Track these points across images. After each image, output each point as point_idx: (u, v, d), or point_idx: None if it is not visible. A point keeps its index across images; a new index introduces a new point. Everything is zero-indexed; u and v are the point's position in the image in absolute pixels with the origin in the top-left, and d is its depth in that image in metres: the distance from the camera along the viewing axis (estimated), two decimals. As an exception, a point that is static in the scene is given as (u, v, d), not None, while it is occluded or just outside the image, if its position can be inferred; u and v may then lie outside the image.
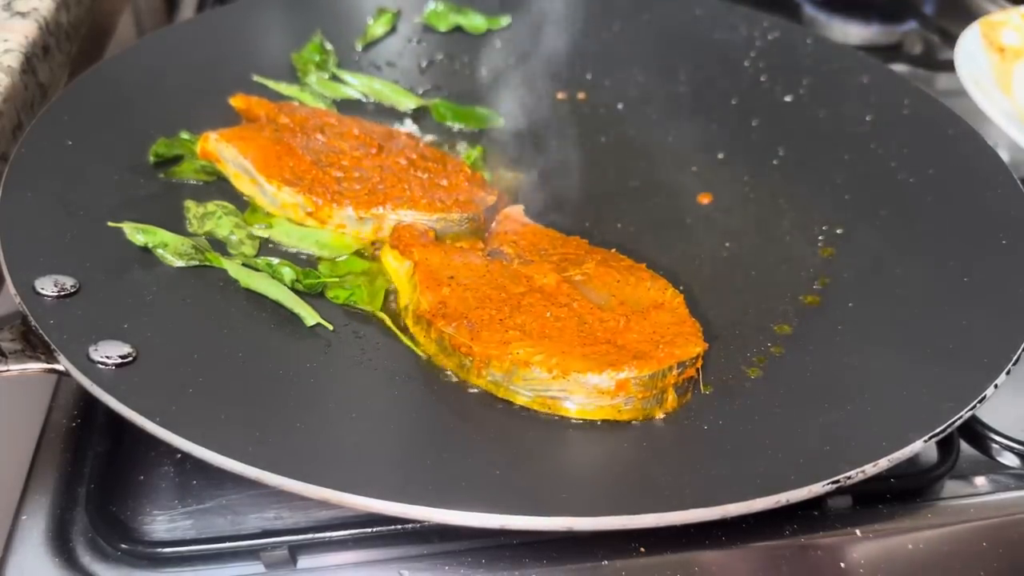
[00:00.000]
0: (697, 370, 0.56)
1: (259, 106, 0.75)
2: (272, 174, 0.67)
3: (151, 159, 0.69)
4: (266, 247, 0.65)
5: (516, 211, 0.68)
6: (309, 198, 0.66)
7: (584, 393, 0.53)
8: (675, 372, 0.54)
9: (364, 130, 0.73)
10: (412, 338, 0.58)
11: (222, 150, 0.69)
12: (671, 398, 0.54)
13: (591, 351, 0.54)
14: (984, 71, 0.85)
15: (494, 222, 0.67)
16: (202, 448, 0.47)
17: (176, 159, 0.70)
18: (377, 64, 0.86)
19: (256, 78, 0.80)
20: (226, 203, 0.66)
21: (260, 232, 0.65)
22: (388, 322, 0.60)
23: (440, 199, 0.67)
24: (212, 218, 0.64)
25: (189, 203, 0.66)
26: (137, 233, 0.61)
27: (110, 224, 0.61)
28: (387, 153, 0.71)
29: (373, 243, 0.66)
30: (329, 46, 0.85)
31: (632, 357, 0.54)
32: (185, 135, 0.71)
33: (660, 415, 0.54)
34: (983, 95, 0.82)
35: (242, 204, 0.68)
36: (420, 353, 0.57)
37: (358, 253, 0.65)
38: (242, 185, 0.69)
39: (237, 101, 0.75)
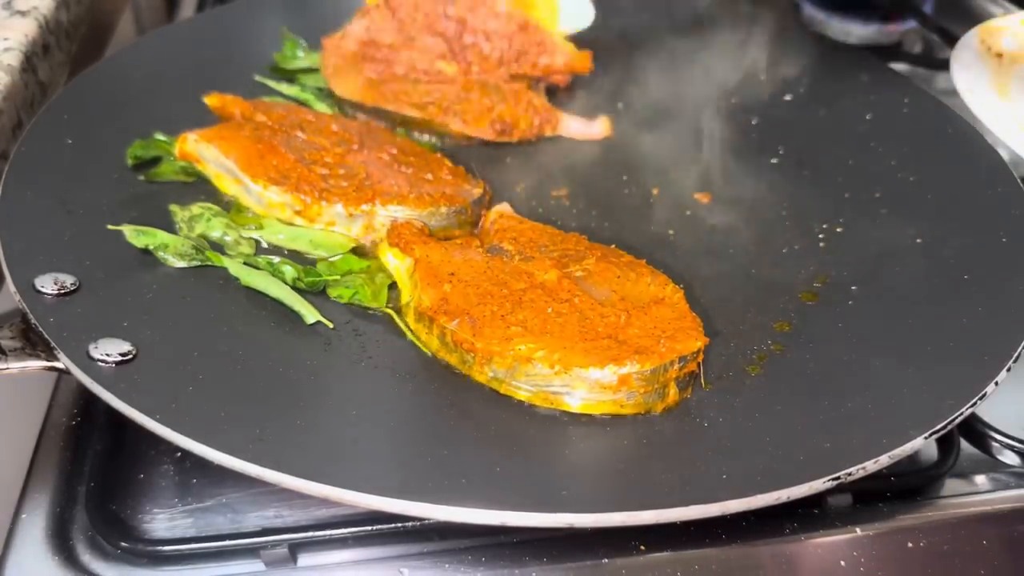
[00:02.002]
0: (698, 365, 0.56)
1: (233, 104, 0.74)
2: (257, 173, 0.66)
3: (129, 162, 0.68)
4: (263, 246, 0.65)
5: (507, 208, 0.68)
6: (297, 196, 0.65)
7: (586, 388, 0.53)
8: (677, 367, 0.54)
9: (342, 126, 0.73)
10: (416, 335, 0.58)
11: (202, 150, 0.69)
12: (672, 393, 0.54)
13: (593, 346, 0.54)
14: (981, 76, 0.85)
15: (488, 221, 0.67)
16: (202, 445, 0.47)
17: (155, 160, 0.69)
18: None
19: (258, 78, 0.80)
20: (210, 204, 0.66)
21: (250, 233, 0.65)
22: (395, 318, 0.60)
23: (428, 193, 0.67)
24: (201, 220, 0.64)
25: (174, 207, 0.65)
26: (138, 235, 0.61)
27: (110, 227, 0.61)
28: (368, 148, 0.71)
29: (365, 241, 0.66)
30: (303, 43, 0.85)
31: (634, 352, 0.54)
32: (160, 136, 0.70)
33: (662, 409, 0.54)
34: (979, 101, 0.82)
35: (226, 203, 0.67)
36: (424, 350, 0.57)
37: (355, 251, 0.65)
38: (225, 185, 0.68)
39: (212, 99, 0.75)
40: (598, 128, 0.82)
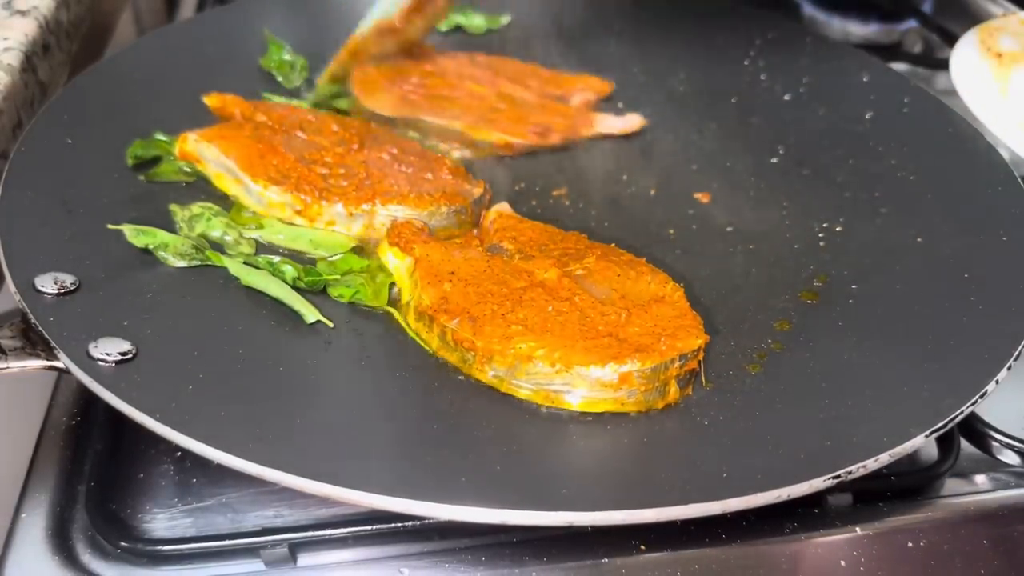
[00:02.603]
0: (699, 363, 0.56)
1: (233, 104, 0.74)
2: (257, 173, 0.66)
3: (129, 162, 0.68)
4: (263, 246, 0.64)
5: (506, 208, 0.68)
6: (297, 196, 0.65)
7: (587, 386, 0.53)
8: (677, 365, 0.54)
9: (342, 125, 0.73)
10: (417, 333, 0.58)
11: (203, 150, 0.69)
12: (673, 391, 0.54)
13: (593, 344, 0.54)
14: (981, 76, 0.86)
15: (488, 221, 0.67)
16: (202, 444, 0.47)
17: (155, 160, 0.69)
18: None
19: (265, 95, 0.79)
20: (210, 204, 0.66)
21: (250, 233, 0.65)
22: (398, 317, 0.60)
23: (428, 193, 0.67)
24: (201, 220, 0.64)
25: (174, 207, 0.65)
26: (138, 235, 0.61)
27: (110, 227, 0.61)
28: (368, 148, 0.71)
29: (365, 241, 0.66)
30: (288, 51, 0.84)
31: (634, 350, 0.54)
32: (160, 136, 0.70)
33: (662, 407, 0.54)
34: (979, 101, 0.83)
35: (226, 203, 0.67)
36: (426, 348, 0.57)
37: (355, 250, 0.65)
38: (225, 185, 0.68)
39: (212, 99, 0.75)
40: (633, 121, 0.81)
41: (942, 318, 0.60)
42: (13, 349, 0.52)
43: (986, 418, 0.59)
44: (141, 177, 0.67)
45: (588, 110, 0.82)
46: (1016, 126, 0.81)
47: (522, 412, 0.53)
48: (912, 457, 0.57)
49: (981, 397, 0.53)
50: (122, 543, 0.52)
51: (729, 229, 0.71)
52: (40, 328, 0.52)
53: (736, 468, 0.49)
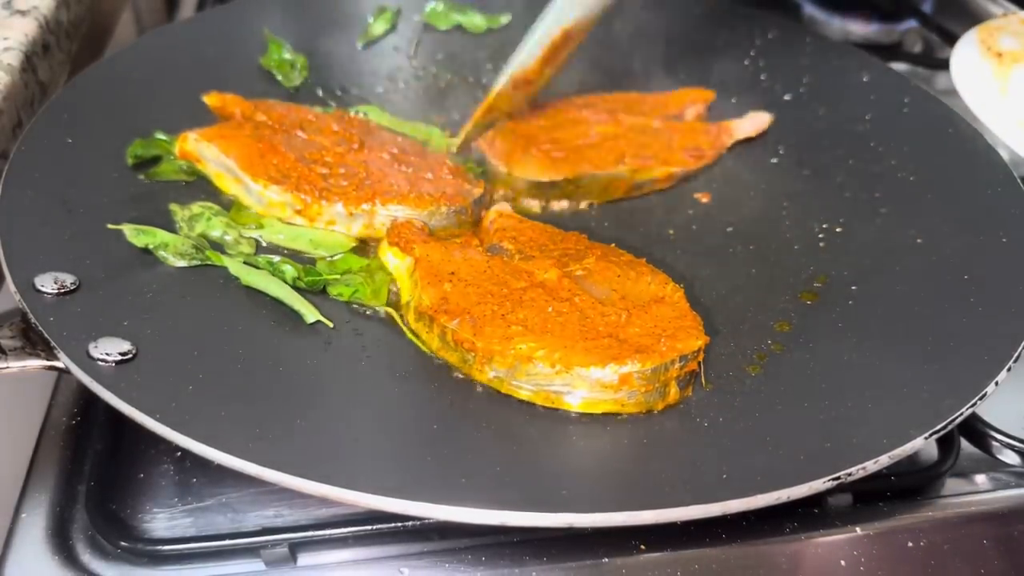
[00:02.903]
0: (699, 364, 0.56)
1: (234, 103, 0.74)
2: (257, 172, 0.66)
3: (129, 161, 0.68)
4: (263, 246, 0.65)
5: (506, 208, 0.68)
6: (297, 196, 0.65)
7: (587, 387, 0.53)
8: (677, 366, 0.54)
9: (343, 125, 0.73)
10: (416, 334, 0.58)
11: (203, 150, 0.69)
12: (673, 392, 0.55)
13: (593, 345, 0.54)
14: (981, 76, 0.86)
15: (488, 220, 0.67)
16: (202, 445, 0.47)
17: (156, 160, 0.69)
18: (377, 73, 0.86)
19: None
20: (210, 203, 0.66)
21: (250, 232, 0.65)
22: (396, 317, 0.60)
23: (428, 193, 0.67)
24: (201, 220, 0.64)
25: (174, 207, 0.65)
26: (138, 234, 0.61)
27: (110, 227, 0.61)
28: (369, 148, 0.71)
29: (365, 240, 0.66)
30: (288, 50, 0.84)
31: (634, 351, 0.54)
32: (161, 135, 0.70)
33: (662, 409, 0.54)
34: (979, 101, 0.83)
35: (226, 202, 0.67)
36: (424, 349, 0.57)
37: (355, 250, 0.65)
38: (225, 185, 0.68)
39: (211, 99, 0.75)
40: (762, 119, 0.81)
41: (942, 318, 0.60)
42: (13, 349, 0.52)
43: (986, 418, 0.59)
44: (141, 177, 0.67)
45: (704, 121, 0.82)
46: (1016, 125, 0.81)
47: (522, 412, 0.53)
48: (912, 457, 0.57)
49: (980, 399, 0.53)
50: (122, 543, 0.52)
51: (729, 229, 0.71)
52: (40, 328, 0.52)
53: (736, 469, 0.49)
